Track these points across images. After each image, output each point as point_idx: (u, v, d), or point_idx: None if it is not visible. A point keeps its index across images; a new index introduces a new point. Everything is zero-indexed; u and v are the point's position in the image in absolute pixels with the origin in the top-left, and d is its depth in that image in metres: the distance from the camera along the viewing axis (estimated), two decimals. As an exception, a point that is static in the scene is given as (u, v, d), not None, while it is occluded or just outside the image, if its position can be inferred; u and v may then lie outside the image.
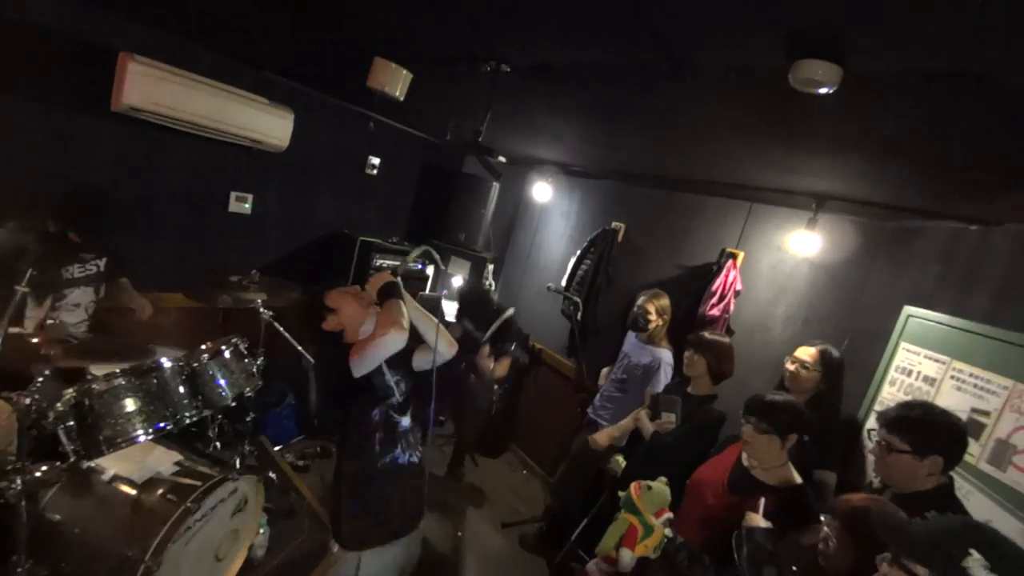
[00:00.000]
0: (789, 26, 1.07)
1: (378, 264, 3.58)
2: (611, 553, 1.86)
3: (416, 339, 1.81)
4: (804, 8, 0.99)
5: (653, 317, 2.87)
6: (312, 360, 3.15)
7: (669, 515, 1.83)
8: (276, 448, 3.33)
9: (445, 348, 1.82)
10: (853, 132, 1.57)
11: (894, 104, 1.32)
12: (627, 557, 1.80)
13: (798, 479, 1.79)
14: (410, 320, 1.71)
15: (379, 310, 1.69)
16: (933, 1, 0.87)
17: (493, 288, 4.36)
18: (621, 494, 1.95)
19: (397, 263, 3.80)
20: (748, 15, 1.07)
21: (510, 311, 3.35)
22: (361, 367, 1.57)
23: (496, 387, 3.31)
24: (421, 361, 1.87)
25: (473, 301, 3.39)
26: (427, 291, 4.07)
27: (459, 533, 3.13)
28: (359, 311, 1.71)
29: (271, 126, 2.91)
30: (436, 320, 1.79)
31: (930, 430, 1.50)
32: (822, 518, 1.46)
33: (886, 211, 2.35)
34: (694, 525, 1.92)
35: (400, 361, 1.81)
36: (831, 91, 1.14)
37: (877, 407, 2.29)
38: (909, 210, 2.29)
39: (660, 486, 1.88)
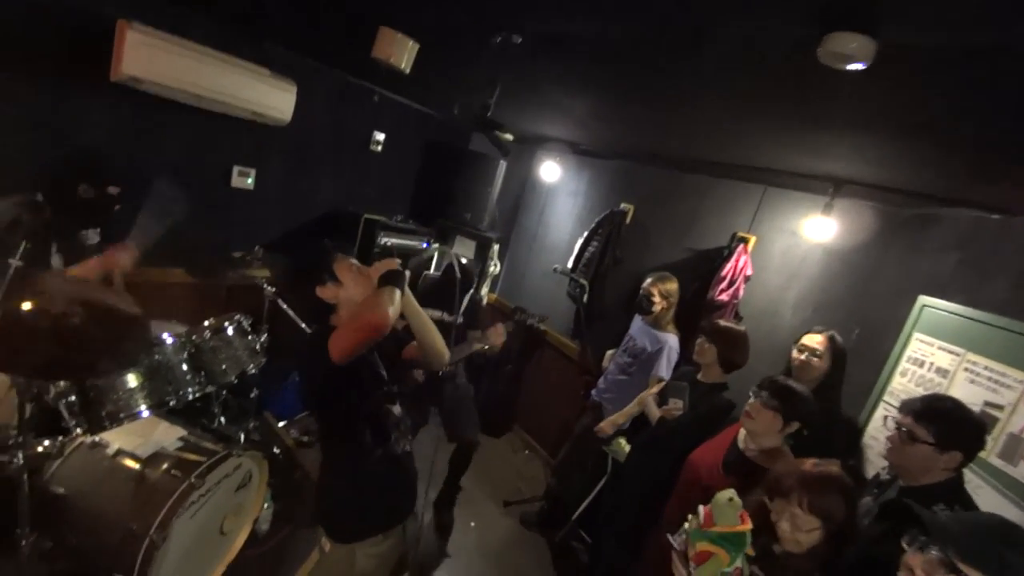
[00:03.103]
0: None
1: (383, 242, 3.53)
2: None
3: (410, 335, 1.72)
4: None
5: (657, 300, 2.83)
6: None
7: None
8: (280, 424, 3.35)
9: (441, 353, 1.70)
10: (880, 111, 1.50)
11: (927, 81, 1.25)
12: None
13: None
14: (410, 322, 1.63)
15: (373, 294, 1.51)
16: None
17: (498, 270, 4.32)
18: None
19: (408, 242, 3.73)
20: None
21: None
22: (342, 353, 1.39)
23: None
24: (414, 359, 1.80)
25: (432, 291, 3.18)
26: (431, 271, 4.03)
27: (471, 524, 3.13)
28: (361, 293, 1.54)
29: (273, 99, 2.84)
30: (433, 326, 1.68)
31: (958, 425, 1.47)
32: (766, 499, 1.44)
33: (905, 197, 2.28)
34: (688, 505, 1.92)
35: (392, 349, 1.74)
36: (863, 67, 1.08)
37: (887, 398, 2.25)
38: (929, 196, 2.22)
39: (722, 496, 1.46)
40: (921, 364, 2.19)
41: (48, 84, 2.31)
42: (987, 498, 1.77)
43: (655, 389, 2.58)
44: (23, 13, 2.17)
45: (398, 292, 1.48)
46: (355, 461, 1.59)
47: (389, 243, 3.59)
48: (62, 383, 1.62)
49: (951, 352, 2.10)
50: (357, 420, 1.56)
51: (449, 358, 1.73)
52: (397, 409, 1.67)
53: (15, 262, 1.17)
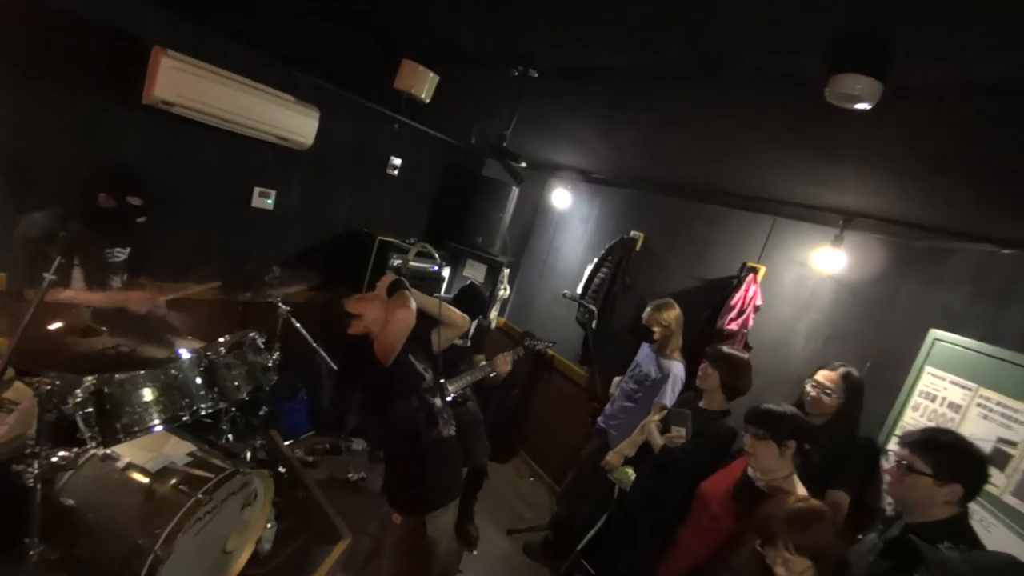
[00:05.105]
0: (832, 35, 1.03)
1: (394, 263, 3.59)
2: None
3: (432, 323, 2.05)
4: (850, 16, 0.96)
5: (656, 330, 2.85)
6: (327, 358, 3.17)
7: None
8: (286, 443, 3.34)
9: (459, 320, 2.13)
10: (889, 146, 1.53)
11: (936, 118, 1.28)
12: None
13: (802, 492, 1.77)
14: (418, 305, 1.94)
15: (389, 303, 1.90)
16: (987, 9, 0.83)
17: (507, 294, 4.35)
18: None
19: (400, 262, 3.79)
20: (790, 20, 1.03)
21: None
22: (388, 354, 1.78)
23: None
24: (441, 343, 2.14)
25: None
26: (442, 292, 4.07)
27: (474, 552, 3.09)
28: (381, 311, 1.88)
29: (297, 124, 2.94)
30: (439, 300, 2.08)
31: (957, 456, 1.46)
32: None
33: (917, 231, 2.29)
34: (700, 534, 1.95)
35: (422, 349, 2.07)
36: (868, 107, 1.11)
37: (898, 432, 2.23)
38: (941, 230, 2.23)
39: None
40: (933, 398, 2.17)
41: (84, 101, 2.41)
42: (1000, 536, 1.74)
43: (657, 416, 2.56)
44: (65, 31, 2.27)
45: (408, 293, 1.90)
46: (416, 446, 1.95)
47: (399, 263, 3.64)
48: (80, 394, 1.65)
49: (963, 387, 2.08)
50: (411, 412, 1.93)
51: (459, 383, 2.14)
52: (439, 401, 2.03)
53: (49, 276, 1.22)
